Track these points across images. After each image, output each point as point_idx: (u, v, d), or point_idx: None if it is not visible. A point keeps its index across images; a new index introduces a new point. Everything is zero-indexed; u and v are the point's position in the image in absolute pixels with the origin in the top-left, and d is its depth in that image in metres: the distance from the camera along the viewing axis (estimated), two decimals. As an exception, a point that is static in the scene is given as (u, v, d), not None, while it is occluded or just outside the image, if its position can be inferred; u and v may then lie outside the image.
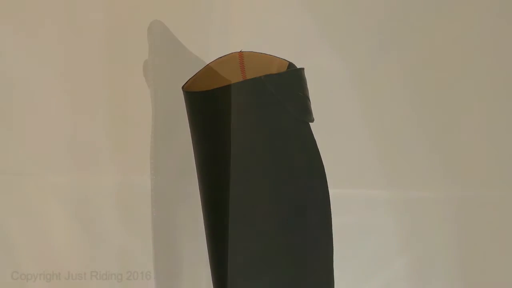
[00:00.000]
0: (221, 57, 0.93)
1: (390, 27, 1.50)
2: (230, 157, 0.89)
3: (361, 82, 1.51)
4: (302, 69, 0.98)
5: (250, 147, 0.90)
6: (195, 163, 0.94)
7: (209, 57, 1.08)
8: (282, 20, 1.48)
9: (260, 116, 0.91)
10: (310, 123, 0.99)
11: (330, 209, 0.97)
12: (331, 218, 0.97)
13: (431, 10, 1.49)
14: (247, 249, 0.90)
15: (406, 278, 1.54)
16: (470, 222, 1.54)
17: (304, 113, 0.97)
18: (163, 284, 1.46)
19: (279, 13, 1.49)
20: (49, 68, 1.49)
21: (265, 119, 0.91)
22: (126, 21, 1.48)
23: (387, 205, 1.53)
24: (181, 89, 0.94)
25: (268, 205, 0.94)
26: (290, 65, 0.97)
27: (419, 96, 1.52)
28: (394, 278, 1.55)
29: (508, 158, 1.54)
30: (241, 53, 0.95)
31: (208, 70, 0.92)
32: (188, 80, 0.88)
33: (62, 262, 1.51)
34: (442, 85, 1.52)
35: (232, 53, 0.94)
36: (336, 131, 1.51)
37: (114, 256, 1.50)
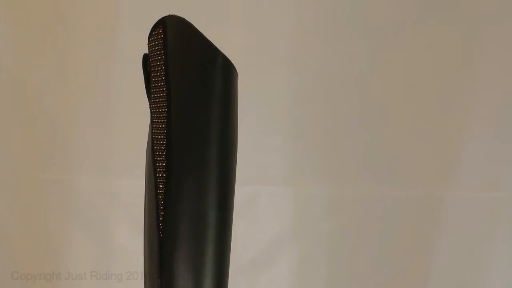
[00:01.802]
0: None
1: (386, 29, 1.50)
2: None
3: (356, 81, 1.51)
4: None
5: None
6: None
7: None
8: (280, 19, 1.48)
9: None
10: None
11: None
12: None
13: (427, 12, 1.49)
14: None
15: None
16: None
17: None
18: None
19: (278, 12, 1.49)
20: (50, 66, 1.50)
21: None
22: (124, 23, 1.49)
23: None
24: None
25: None
26: None
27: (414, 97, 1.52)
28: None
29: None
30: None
31: None
32: None
33: (62, 262, 1.51)
34: (437, 86, 1.52)
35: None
36: (331, 128, 1.52)
37: (114, 256, 1.51)
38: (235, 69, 0.91)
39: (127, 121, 1.48)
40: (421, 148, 1.52)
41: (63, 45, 1.49)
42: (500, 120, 1.51)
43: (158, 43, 0.90)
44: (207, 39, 0.90)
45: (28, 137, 1.52)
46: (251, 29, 1.48)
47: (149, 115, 0.92)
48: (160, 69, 0.90)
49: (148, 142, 0.92)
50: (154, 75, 0.91)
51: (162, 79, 0.90)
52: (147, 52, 0.92)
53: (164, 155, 0.88)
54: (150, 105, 0.91)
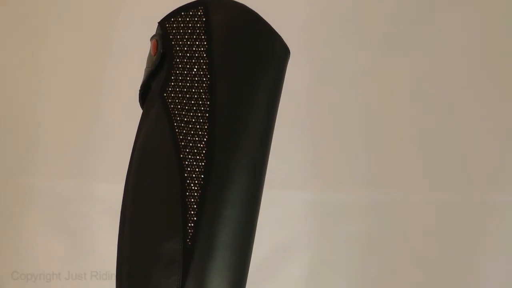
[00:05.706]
0: None
1: (395, 25, 1.49)
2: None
3: (365, 77, 1.50)
4: None
5: None
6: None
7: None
8: (289, 11, 1.47)
9: None
10: None
11: None
12: None
13: (431, 13, 1.48)
14: None
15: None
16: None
17: None
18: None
19: (278, 12, 1.48)
20: (30, 68, 1.50)
21: None
22: (123, 24, 1.49)
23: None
24: None
25: None
26: None
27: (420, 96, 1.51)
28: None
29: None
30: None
31: None
32: None
33: (62, 262, 1.51)
34: (442, 86, 1.51)
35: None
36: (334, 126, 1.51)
37: (114, 256, 1.50)
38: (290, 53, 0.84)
39: (111, 125, 1.48)
40: (447, 152, 1.51)
41: (44, 51, 1.50)
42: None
43: (194, 26, 0.80)
44: (268, 24, 0.82)
45: (28, 139, 1.52)
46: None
47: (150, 109, 0.85)
48: (200, 56, 0.79)
49: (143, 139, 0.82)
50: (183, 61, 0.80)
51: (203, 68, 0.79)
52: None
53: (203, 153, 0.78)
54: (162, 94, 0.80)
